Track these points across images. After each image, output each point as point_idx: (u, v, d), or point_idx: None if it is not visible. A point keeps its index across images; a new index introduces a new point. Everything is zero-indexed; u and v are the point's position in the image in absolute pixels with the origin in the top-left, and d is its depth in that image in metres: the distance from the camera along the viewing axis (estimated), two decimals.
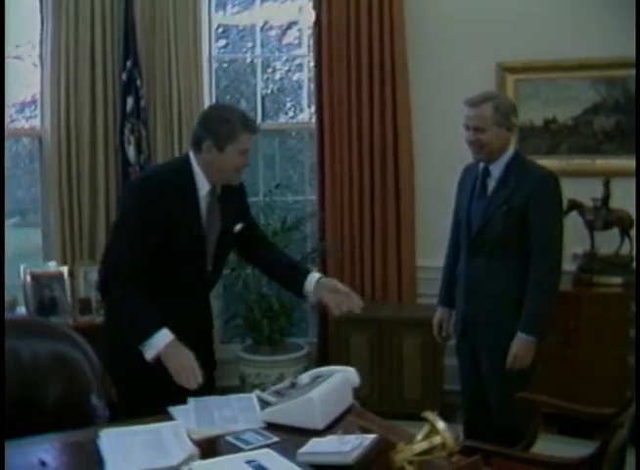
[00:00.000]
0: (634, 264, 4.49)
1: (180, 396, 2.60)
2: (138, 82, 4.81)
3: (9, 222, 5.15)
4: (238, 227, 3.01)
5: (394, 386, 4.55)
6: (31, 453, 2.23)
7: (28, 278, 4.45)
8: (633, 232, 4.48)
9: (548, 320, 3.16)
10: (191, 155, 2.84)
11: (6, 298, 4.45)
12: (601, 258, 4.56)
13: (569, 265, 4.61)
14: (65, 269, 4.61)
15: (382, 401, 4.43)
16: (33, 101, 5.25)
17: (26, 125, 5.30)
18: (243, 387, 4.62)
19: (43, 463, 2.15)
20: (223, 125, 2.76)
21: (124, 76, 4.80)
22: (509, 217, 3.12)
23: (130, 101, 4.77)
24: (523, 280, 3.11)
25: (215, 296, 4.85)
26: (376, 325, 4.63)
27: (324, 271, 5.05)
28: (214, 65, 5.44)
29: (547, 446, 3.06)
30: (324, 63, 4.98)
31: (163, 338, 2.65)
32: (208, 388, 2.77)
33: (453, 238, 3.48)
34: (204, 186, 2.82)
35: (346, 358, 4.48)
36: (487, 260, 3.20)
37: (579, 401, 3.18)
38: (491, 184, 3.21)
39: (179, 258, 2.82)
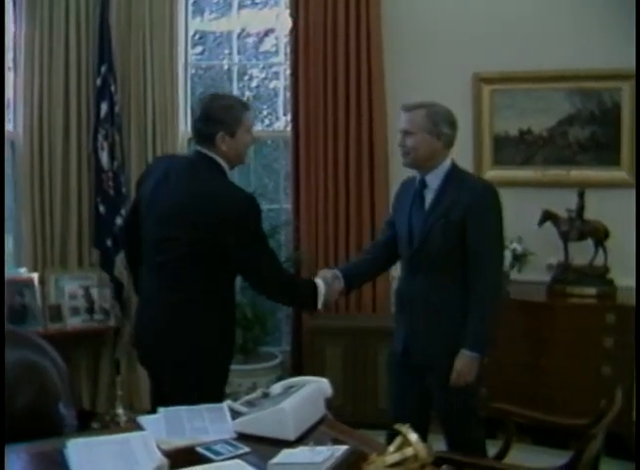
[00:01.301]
0: (609, 275, 4.51)
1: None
2: (112, 88, 4.76)
3: None
4: None
5: (369, 396, 4.53)
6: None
7: None
8: (608, 243, 4.50)
9: (491, 336, 3.07)
10: (207, 152, 2.94)
11: None
12: (575, 268, 4.57)
13: (543, 276, 4.64)
14: (35, 276, 4.55)
15: (356, 411, 4.41)
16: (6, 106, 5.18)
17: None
18: None
19: None
20: (228, 113, 2.92)
21: (99, 82, 4.75)
22: (448, 231, 3.03)
23: (104, 106, 4.72)
24: (465, 295, 3.02)
25: None
26: (350, 335, 4.61)
27: None
28: (190, 71, 5.40)
29: (521, 455, 3.04)
30: (300, 71, 4.96)
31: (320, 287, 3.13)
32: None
33: (379, 239, 3.50)
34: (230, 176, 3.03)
35: (321, 368, 4.46)
36: (429, 275, 3.10)
37: (553, 411, 3.19)
38: (429, 196, 3.13)
39: None
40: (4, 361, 2.38)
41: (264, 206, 5.35)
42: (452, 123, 3.13)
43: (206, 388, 2.95)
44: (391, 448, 1.89)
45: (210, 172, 2.96)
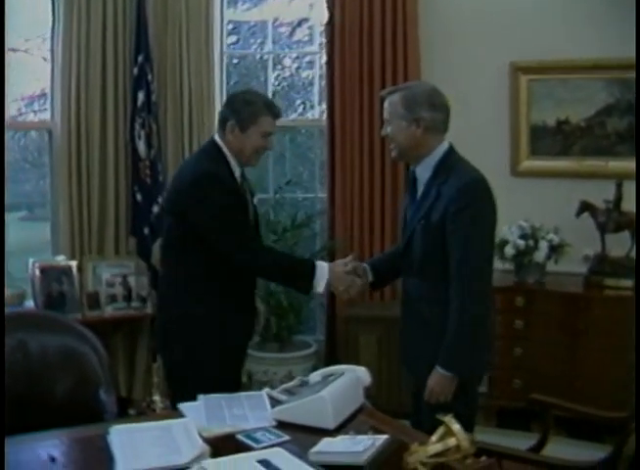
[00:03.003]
0: None
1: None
2: (149, 77, 4.79)
3: (16, 216, 5.14)
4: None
5: (403, 385, 4.53)
6: (40, 448, 2.22)
7: (37, 272, 4.44)
8: None
9: (469, 355, 2.69)
10: (217, 139, 3.00)
11: (14, 291, 4.44)
12: (612, 260, 4.53)
13: (579, 267, 4.61)
14: (74, 264, 4.60)
15: (390, 401, 4.41)
16: (42, 95, 5.24)
17: (35, 119, 5.28)
18: (250, 384, 4.62)
19: (53, 459, 2.14)
20: (247, 107, 2.95)
21: (136, 71, 4.78)
22: (428, 233, 2.72)
23: (141, 95, 4.75)
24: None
25: None
26: (385, 324, 4.60)
27: None
28: (225, 60, 5.42)
29: (556, 448, 3.04)
30: (336, 61, 4.96)
31: (322, 269, 3.01)
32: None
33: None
34: (236, 169, 3.00)
35: (355, 357, 4.47)
36: (418, 281, 2.82)
37: (588, 404, 3.16)
38: (420, 191, 2.81)
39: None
40: (4, 360, 2.40)
41: (299, 195, 5.40)
42: (433, 105, 2.77)
43: (198, 365, 3.00)
44: (434, 438, 1.90)
45: (204, 154, 3.05)
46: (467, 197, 2.65)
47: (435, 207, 2.69)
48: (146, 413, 4.55)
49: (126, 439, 2.24)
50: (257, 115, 2.94)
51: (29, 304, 4.49)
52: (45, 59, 5.06)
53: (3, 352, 2.41)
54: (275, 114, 3.00)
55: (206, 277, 3.01)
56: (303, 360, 4.74)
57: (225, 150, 2.97)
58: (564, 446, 3.65)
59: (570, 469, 2.54)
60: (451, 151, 2.81)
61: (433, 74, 4.89)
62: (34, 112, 5.35)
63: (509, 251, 4.45)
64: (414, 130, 2.74)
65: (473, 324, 2.65)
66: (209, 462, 2.06)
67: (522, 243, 4.46)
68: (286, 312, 4.82)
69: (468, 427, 2.31)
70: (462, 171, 2.74)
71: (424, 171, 2.79)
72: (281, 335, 4.83)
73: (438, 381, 2.71)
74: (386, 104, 2.83)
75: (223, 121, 2.99)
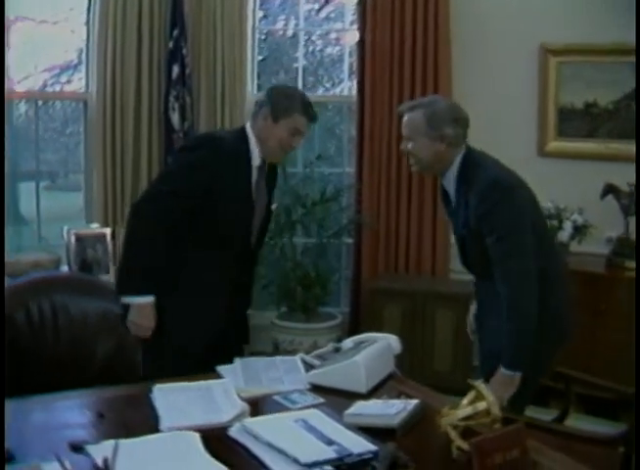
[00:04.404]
0: None
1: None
2: (184, 51, 4.88)
3: (43, 185, 5.23)
4: (273, 207, 3.17)
5: (426, 358, 4.64)
6: (86, 406, 2.33)
7: (72, 238, 4.55)
8: None
9: (525, 352, 2.68)
10: (248, 126, 2.95)
11: (49, 257, 4.56)
12: (633, 242, 4.59)
13: (602, 248, 4.68)
14: (107, 231, 4.71)
15: (412, 373, 4.47)
16: (70, 66, 5.35)
17: (65, 90, 5.40)
18: (277, 353, 4.72)
19: (101, 415, 2.24)
20: (285, 99, 2.90)
21: (171, 45, 4.88)
22: (474, 239, 2.76)
23: (176, 69, 4.86)
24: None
25: None
26: (409, 297, 4.71)
27: (359, 243, 5.15)
28: (257, 36, 5.49)
29: (575, 424, 3.11)
30: (367, 38, 5.03)
31: (146, 298, 2.78)
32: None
33: None
34: (256, 158, 2.92)
35: (379, 329, 4.50)
36: (485, 281, 2.85)
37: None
38: (453, 201, 2.86)
39: (229, 227, 2.90)
40: (5, 356, 2.44)
41: (327, 169, 5.49)
42: (456, 120, 2.79)
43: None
44: (465, 402, 2.00)
45: (229, 132, 3.04)
46: (486, 203, 2.67)
47: (469, 215, 2.74)
48: None
49: (169, 397, 2.34)
50: (293, 110, 2.89)
51: (64, 269, 4.60)
52: (73, 31, 5.16)
53: (4, 348, 2.45)
54: (310, 116, 2.94)
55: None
56: (328, 331, 4.84)
57: (251, 136, 2.92)
58: (581, 423, 3.73)
59: (593, 441, 2.62)
60: (467, 156, 2.81)
61: (463, 54, 4.97)
62: (60, 83, 5.45)
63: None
64: (438, 146, 2.77)
65: (525, 321, 2.65)
66: (250, 421, 2.17)
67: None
68: (313, 284, 4.92)
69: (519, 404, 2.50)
70: (480, 177, 2.73)
71: (449, 184, 2.84)
72: (307, 306, 4.94)
73: (498, 380, 2.68)
74: (405, 120, 2.83)
75: (258, 108, 2.94)
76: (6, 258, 4.48)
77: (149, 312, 2.79)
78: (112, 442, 1.77)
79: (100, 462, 1.68)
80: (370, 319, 4.75)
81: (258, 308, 5.38)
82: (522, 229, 2.68)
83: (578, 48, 4.80)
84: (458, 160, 2.79)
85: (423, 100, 2.92)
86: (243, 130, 2.95)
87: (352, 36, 5.28)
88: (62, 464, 1.68)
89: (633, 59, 4.68)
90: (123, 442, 1.77)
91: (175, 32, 4.87)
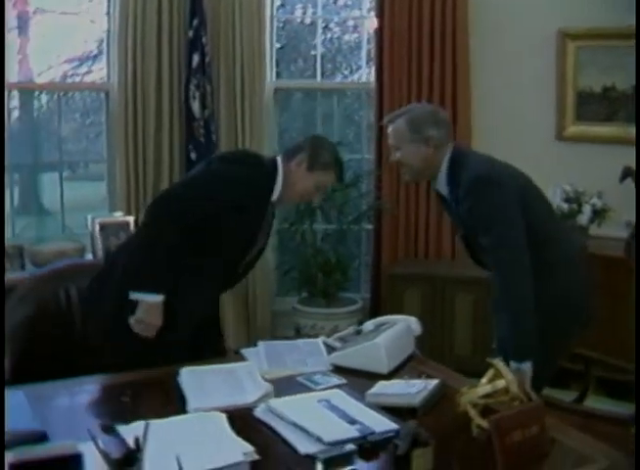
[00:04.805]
0: None
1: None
2: (204, 40, 4.93)
3: (56, 176, 5.30)
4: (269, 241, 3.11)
5: (445, 342, 4.68)
6: (113, 390, 2.41)
7: (97, 227, 4.61)
8: None
9: (528, 337, 2.63)
10: (279, 161, 2.89)
11: (74, 245, 4.63)
12: None
13: (621, 232, 4.69)
14: (131, 219, 4.77)
15: (432, 356, 4.50)
16: (90, 57, 5.41)
17: (85, 80, 5.49)
18: (299, 337, 4.77)
19: (129, 398, 2.31)
20: (326, 153, 2.88)
21: (191, 34, 4.91)
22: (473, 236, 2.83)
23: (196, 57, 4.89)
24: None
25: (271, 249, 5.03)
26: (429, 282, 4.74)
27: (379, 229, 5.20)
28: (275, 24, 5.53)
29: (594, 405, 3.15)
30: (385, 25, 5.05)
31: (157, 297, 2.70)
32: None
33: None
34: (276, 193, 2.87)
35: (399, 313, 4.59)
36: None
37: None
38: (450, 204, 2.91)
39: (226, 249, 2.83)
40: (4, 358, 2.46)
41: (346, 156, 5.50)
42: (437, 122, 2.84)
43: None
44: (484, 380, 2.04)
45: (261, 165, 2.87)
46: (469, 199, 2.72)
47: (465, 216, 2.78)
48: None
49: (195, 379, 2.41)
50: (329, 165, 2.88)
51: (89, 257, 4.67)
52: (92, 21, 5.21)
53: (3, 347, 2.46)
54: (339, 176, 2.96)
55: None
56: (349, 316, 4.89)
57: (280, 172, 2.86)
58: (600, 404, 3.76)
59: (610, 420, 2.66)
60: (453, 157, 2.83)
61: (481, 40, 4.99)
62: (79, 75, 5.52)
63: None
64: (425, 150, 2.81)
65: (516, 304, 2.65)
66: (275, 401, 2.23)
67: (565, 206, 4.57)
68: (333, 269, 4.98)
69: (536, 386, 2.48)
70: (463, 175, 2.77)
71: (442, 187, 2.87)
72: (328, 291, 5.00)
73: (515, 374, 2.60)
74: (389, 131, 2.89)
75: (295, 151, 2.89)
76: (28, 248, 4.56)
77: (157, 311, 2.71)
78: (141, 423, 1.82)
79: (131, 442, 1.74)
80: (390, 304, 4.78)
81: (280, 295, 5.47)
82: (506, 221, 2.69)
83: (596, 32, 4.80)
84: (445, 162, 2.82)
85: (401, 109, 2.96)
86: (275, 163, 2.89)
87: (371, 23, 5.30)
88: (96, 443, 1.74)
89: None
90: (153, 422, 1.82)
91: (195, 22, 4.90)
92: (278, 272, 5.37)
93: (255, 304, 5.27)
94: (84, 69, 5.62)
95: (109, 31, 5.10)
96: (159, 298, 2.70)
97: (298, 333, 4.89)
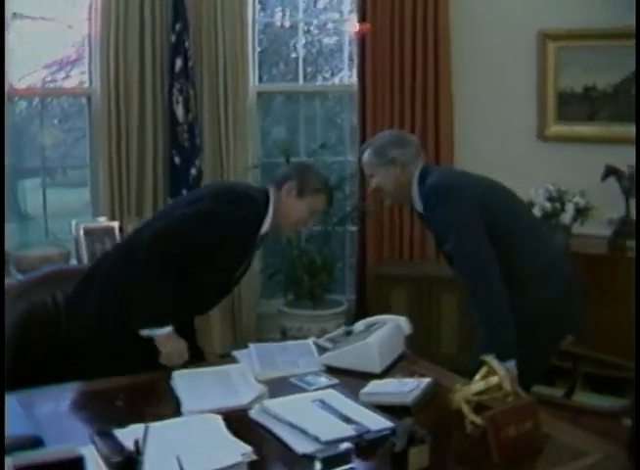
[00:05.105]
0: None
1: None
2: (186, 44, 4.92)
3: (36, 182, 5.27)
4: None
5: (432, 342, 4.70)
6: (106, 394, 2.40)
7: (81, 232, 4.59)
8: None
9: (503, 334, 2.61)
10: (271, 193, 2.88)
11: (59, 251, 4.61)
12: (634, 222, 4.65)
13: (604, 230, 4.74)
14: (115, 224, 4.76)
15: (420, 355, 4.53)
16: (69, 62, 5.39)
17: (63, 85, 5.46)
18: (285, 340, 4.78)
19: (123, 402, 2.32)
20: (315, 179, 2.91)
21: (173, 38, 4.91)
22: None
23: (179, 62, 4.89)
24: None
25: (257, 253, 5.03)
26: (414, 283, 4.76)
27: (363, 230, 5.21)
28: (257, 28, 5.53)
29: (581, 400, 3.19)
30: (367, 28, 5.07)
31: (166, 329, 2.67)
32: None
33: None
34: (265, 226, 2.86)
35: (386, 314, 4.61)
36: None
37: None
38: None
39: (203, 279, 2.82)
40: (4, 359, 2.46)
41: (329, 158, 5.53)
42: (401, 143, 2.97)
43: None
44: (477, 377, 2.06)
45: (252, 200, 2.84)
46: (428, 210, 2.84)
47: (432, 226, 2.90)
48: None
49: (189, 382, 2.43)
50: (320, 191, 2.89)
51: (73, 263, 4.65)
52: (70, 27, 5.20)
53: (3, 348, 2.47)
54: (330, 201, 2.99)
55: None
56: (336, 317, 4.89)
57: (271, 205, 2.85)
58: (587, 399, 3.79)
59: (599, 414, 2.69)
60: (420, 175, 2.90)
61: (462, 41, 5.02)
62: (58, 80, 5.48)
63: (536, 213, 4.58)
64: (393, 171, 2.92)
65: (486, 303, 2.65)
66: (269, 402, 2.24)
67: (548, 205, 4.61)
68: (319, 271, 4.98)
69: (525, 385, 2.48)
70: (425, 190, 2.85)
71: (417, 206, 2.94)
72: (314, 293, 5.00)
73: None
74: (363, 162, 3.03)
75: (284, 180, 2.89)
76: (13, 254, 4.54)
77: (173, 338, 2.68)
78: (137, 426, 1.83)
79: (130, 445, 1.74)
80: (376, 305, 4.79)
81: (265, 297, 5.47)
82: (465, 228, 2.72)
83: (576, 33, 4.84)
84: (416, 179, 2.91)
85: (370, 140, 3.10)
86: (267, 195, 2.87)
87: (352, 26, 5.32)
88: (96, 446, 1.74)
89: (631, 42, 4.68)
90: (151, 425, 1.83)
91: (178, 26, 4.90)
92: (263, 275, 5.37)
93: (241, 306, 5.27)
94: (62, 74, 5.59)
95: (90, 36, 5.08)
96: (167, 329, 2.67)
97: (285, 335, 4.89)
